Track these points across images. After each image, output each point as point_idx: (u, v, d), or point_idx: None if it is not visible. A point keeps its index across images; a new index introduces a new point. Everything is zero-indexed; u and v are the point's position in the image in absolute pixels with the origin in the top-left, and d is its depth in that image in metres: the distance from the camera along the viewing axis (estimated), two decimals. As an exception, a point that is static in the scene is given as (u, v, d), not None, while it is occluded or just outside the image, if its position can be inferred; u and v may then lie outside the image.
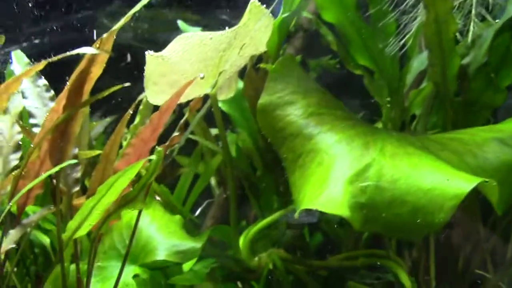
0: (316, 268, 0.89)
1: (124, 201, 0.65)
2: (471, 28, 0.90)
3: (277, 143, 0.74)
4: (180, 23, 1.04)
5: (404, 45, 0.90)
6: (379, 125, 0.87)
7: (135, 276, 0.75)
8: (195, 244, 0.76)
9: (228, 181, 0.88)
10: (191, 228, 0.88)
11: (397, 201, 0.62)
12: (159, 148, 0.61)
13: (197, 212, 1.04)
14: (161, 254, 0.76)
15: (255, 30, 0.79)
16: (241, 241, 0.91)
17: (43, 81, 0.81)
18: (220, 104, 0.96)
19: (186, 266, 0.78)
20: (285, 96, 0.75)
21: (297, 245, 0.93)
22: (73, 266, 0.76)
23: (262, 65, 0.81)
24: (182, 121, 0.73)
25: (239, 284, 0.93)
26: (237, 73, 0.91)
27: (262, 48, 0.83)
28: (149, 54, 0.81)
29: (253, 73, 0.84)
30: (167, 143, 0.71)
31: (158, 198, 0.94)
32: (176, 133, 0.71)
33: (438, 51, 0.84)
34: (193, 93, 0.87)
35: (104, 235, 0.80)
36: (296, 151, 0.71)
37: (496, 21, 0.86)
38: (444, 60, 0.85)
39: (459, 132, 0.74)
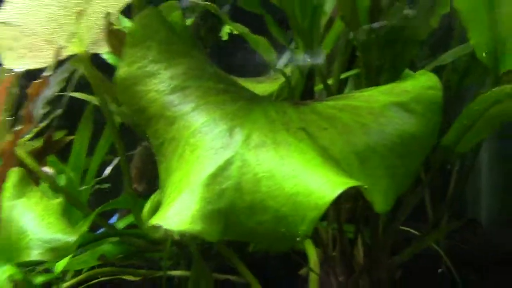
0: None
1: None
2: None
3: (142, 125, 0.63)
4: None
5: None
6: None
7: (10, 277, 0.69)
8: (69, 238, 0.68)
9: (117, 150, 0.78)
10: (83, 206, 0.80)
11: (259, 206, 0.52)
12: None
13: (107, 171, 0.95)
14: (34, 253, 0.68)
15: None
16: (145, 209, 0.83)
17: None
18: (106, 56, 0.83)
19: (59, 266, 0.71)
20: (145, 66, 0.62)
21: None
22: None
23: (116, 27, 0.68)
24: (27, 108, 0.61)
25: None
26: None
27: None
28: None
29: (115, 28, 0.70)
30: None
31: (49, 171, 0.84)
32: (20, 126, 0.60)
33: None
34: (57, 54, 0.74)
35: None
36: (159, 138, 0.60)
37: None
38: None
39: (355, 97, 0.61)
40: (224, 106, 0.59)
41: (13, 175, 0.71)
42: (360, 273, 0.78)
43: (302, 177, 0.51)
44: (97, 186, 0.99)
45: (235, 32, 0.99)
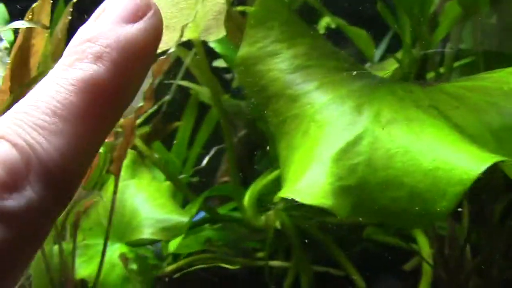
0: (329, 225, 0.80)
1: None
2: None
3: (261, 104, 0.63)
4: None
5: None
6: (393, 64, 0.73)
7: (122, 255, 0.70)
8: (181, 218, 0.69)
9: (225, 137, 0.79)
10: (187, 190, 0.81)
11: (393, 183, 0.50)
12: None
13: (205, 162, 0.95)
14: (146, 232, 0.69)
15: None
16: (246, 198, 0.83)
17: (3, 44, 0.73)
18: (213, 45, 0.84)
19: (172, 245, 0.71)
20: (267, 46, 0.63)
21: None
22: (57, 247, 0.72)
23: (239, 8, 0.68)
24: (147, 84, 0.63)
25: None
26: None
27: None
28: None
29: (235, 12, 0.70)
30: (131, 116, 0.62)
31: (155, 155, 0.86)
32: (141, 103, 0.62)
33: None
34: (172, 40, 0.76)
35: (90, 209, 0.75)
36: (280, 116, 0.60)
37: None
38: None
39: (483, 78, 0.59)
40: (348, 84, 0.58)
41: (128, 155, 0.73)
42: (471, 272, 0.75)
43: (441, 152, 0.49)
44: (189, 178, 1.00)
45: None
